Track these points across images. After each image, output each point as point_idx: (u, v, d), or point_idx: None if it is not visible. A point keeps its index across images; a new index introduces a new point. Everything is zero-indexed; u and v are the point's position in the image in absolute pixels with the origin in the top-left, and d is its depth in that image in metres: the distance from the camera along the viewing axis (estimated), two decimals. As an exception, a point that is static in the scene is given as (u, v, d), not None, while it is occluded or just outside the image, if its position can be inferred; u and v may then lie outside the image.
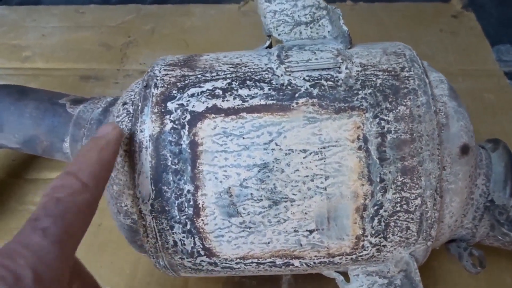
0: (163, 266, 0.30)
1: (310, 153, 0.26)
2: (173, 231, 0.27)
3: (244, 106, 0.27)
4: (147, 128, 0.27)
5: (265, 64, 0.29)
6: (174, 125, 0.27)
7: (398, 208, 0.26)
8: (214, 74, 0.29)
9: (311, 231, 0.27)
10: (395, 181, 0.26)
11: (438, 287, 0.37)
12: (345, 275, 0.31)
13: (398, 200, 0.26)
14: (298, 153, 0.26)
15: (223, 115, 0.27)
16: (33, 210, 0.45)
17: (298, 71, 0.28)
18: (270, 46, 0.32)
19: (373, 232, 0.27)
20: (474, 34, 0.60)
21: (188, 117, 0.27)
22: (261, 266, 0.29)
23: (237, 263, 0.29)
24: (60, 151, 0.35)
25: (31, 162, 0.47)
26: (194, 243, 0.28)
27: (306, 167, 0.26)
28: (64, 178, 0.23)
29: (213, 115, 0.27)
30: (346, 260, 0.29)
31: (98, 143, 0.25)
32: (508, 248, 0.32)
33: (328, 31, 0.31)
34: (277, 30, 0.31)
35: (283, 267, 0.29)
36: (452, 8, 0.65)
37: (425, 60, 0.32)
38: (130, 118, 0.29)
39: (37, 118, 0.36)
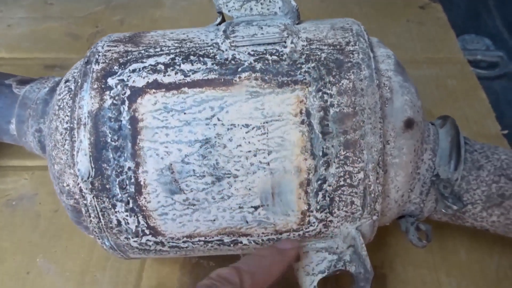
0: (109, 247, 0.29)
1: (253, 128, 0.26)
2: (115, 210, 0.27)
3: (186, 81, 0.27)
4: (86, 104, 0.27)
5: (211, 40, 0.29)
6: (114, 101, 0.27)
7: (342, 183, 0.26)
8: (158, 49, 0.28)
9: (256, 208, 0.27)
10: (338, 155, 0.26)
11: (395, 264, 0.38)
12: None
13: (342, 174, 0.26)
14: (241, 128, 0.26)
15: (164, 90, 0.27)
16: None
17: (244, 45, 0.28)
18: (222, 23, 0.32)
19: (318, 207, 0.27)
20: (440, 24, 0.61)
21: (128, 92, 0.27)
22: (209, 244, 0.29)
23: (184, 242, 0.29)
24: (7, 133, 0.34)
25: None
26: (138, 222, 0.27)
27: (249, 142, 0.26)
28: (231, 273, 0.25)
29: (153, 90, 0.27)
30: (294, 237, 0.29)
31: (274, 254, 0.27)
32: (455, 223, 0.32)
33: (279, 8, 0.31)
34: (227, 6, 0.31)
35: (232, 245, 0.29)
36: (420, 0, 0.66)
37: (392, 49, 0.33)
38: (71, 96, 0.28)
39: (-19, 99, 0.35)
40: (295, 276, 0.30)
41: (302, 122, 0.26)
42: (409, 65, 0.53)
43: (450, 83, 0.53)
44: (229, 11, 0.32)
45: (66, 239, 0.40)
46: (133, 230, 0.28)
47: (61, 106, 0.29)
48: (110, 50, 0.29)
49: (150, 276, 0.37)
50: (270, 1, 0.31)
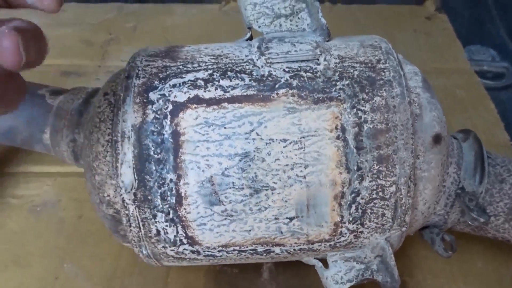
0: (146, 255, 0.30)
1: (290, 143, 0.27)
2: (156, 220, 0.28)
3: (226, 96, 0.28)
4: (129, 118, 0.28)
5: (246, 56, 0.30)
6: (156, 115, 0.27)
7: (374, 196, 0.28)
8: (196, 65, 0.29)
9: (291, 219, 0.28)
10: (372, 169, 0.27)
11: (414, 273, 0.39)
12: (324, 261, 0.32)
13: (374, 188, 0.27)
14: (279, 143, 0.27)
15: (205, 105, 0.28)
16: (14, 203, 0.44)
17: (278, 62, 0.29)
18: (250, 39, 0.33)
19: (351, 218, 0.28)
20: (447, 34, 0.63)
21: (170, 107, 0.28)
22: (243, 253, 0.30)
23: (219, 251, 0.30)
24: (40, 142, 0.35)
25: (10, 156, 0.47)
26: (177, 232, 0.28)
27: (286, 156, 0.27)
28: None
29: (195, 105, 0.28)
30: (325, 247, 0.30)
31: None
32: (477, 234, 0.33)
33: (307, 24, 0.32)
34: (257, 22, 0.32)
35: (264, 254, 0.30)
36: (426, 10, 0.68)
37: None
38: (111, 108, 0.29)
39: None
40: (323, 284, 0.31)
41: (338, 138, 0.27)
42: (417, 76, 0.55)
43: (458, 93, 0.54)
44: (259, 27, 0.33)
45: (92, 245, 0.40)
46: (172, 240, 0.29)
47: (102, 119, 0.29)
48: (149, 65, 0.30)
49: (176, 282, 0.38)
50: (299, 18, 0.32)
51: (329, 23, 0.32)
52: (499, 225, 0.31)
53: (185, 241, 0.29)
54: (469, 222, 0.29)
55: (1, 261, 0.39)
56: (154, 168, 0.27)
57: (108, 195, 0.29)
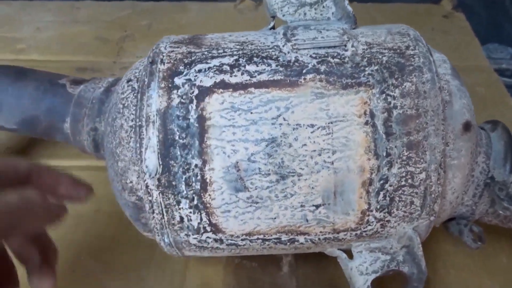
0: (167, 244, 0.30)
1: (318, 128, 0.27)
2: (179, 207, 0.27)
3: (252, 81, 0.27)
4: (154, 102, 0.27)
5: (271, 42, 0.30)
6: (182, 100, 0.27)
7: (403, 183, 0.27)
8: (221, 51, 0.29)
9: (317, 206, 0.27)
10: (401, 155, 0.27)
11: (436, 268, 0.38)
12: (348, 253, 0.31)
13: (403, 175, 0.27)
14: (306, 128, 0.27)
15: (231, 90, 0.27)
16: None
17: (305, 48, 0.29)
18: (273, 28, 0.33)
19: (378, 206, 0.27)
20: (465, 33, 0.62)
21: (196, 91, 0.27)
22: (266, 242, 0.29)
23: (242, 240, 0.29)
24: (60, 131, 0.35)
25: (27, 151, 0.47)
26: (201, 219, 0.28)
27: (314, 142, 0.27)
28: None
29: (221, 90, 0.27)
30: (350, 236, 0.29)
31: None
32: (505, 226, 0.32)
33: (332, 13, 0.32)
34: (281, 11, 0.32)
35: (288, 243, 0.30)
36: (443, 9, 0.67)
37: None
38: (135, 94, 0.29)
39: (36, 98, 0.35)
40: (347, 276, 0.31)
41: (366, 123, 0.27)
42: (438, 73, 0.55)
43: (479, 90, 0.54)
44: (283, 15, 0.32)
45: (108, 238, 0.40)
46: (195, 227, 0.28)
47: (126, 105, 0.29)
48: (173, 51, 0.29)
49: (194, 275, 0.37)
50: (324, 7, 0.32)
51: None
52: (529, 216, 0.30)
53: (208, 228, 0.28)
54: (500, 212, 0.29)
55: (19, 254, 0.39)
56: (179, 153, 0.27)
57: (131, 182, 0.29)
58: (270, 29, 0.33)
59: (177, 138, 0.27)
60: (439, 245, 0.39)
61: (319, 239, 0.29)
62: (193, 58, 0.29)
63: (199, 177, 0.27)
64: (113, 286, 0.37)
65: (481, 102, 0.52)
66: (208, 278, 0.37)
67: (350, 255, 0.31)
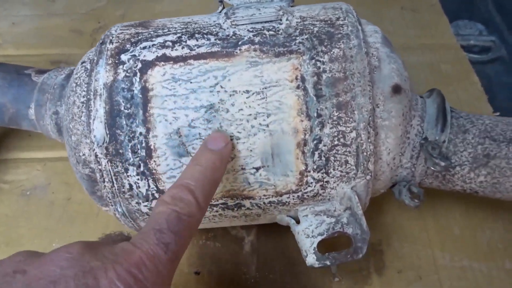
0: (121, 214, 0.31)
1: (253, 93, 0.28)
2: (127, 174, 0.29)
3: (192, 54, 0.29)
4: (102, 77, 0.29)
5: (214, 21, 0.32)
6: (127, 74, 0.29)
7: (336, 142, 0.29)
8: (166, 30, 0.31)
9: (257, 168, 0.29)
10: (332, 116, 0.28)
11: (391, 241, 0.39)
12: (296, 219, 0.33)
13: (335, 134, 0.28)
14: (242, 94, 0.28)
15: (171, 62, 0.29)
16: (5, 188, 0.45)
17: (243, 24, 0.31)
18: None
19: (315, 167, 0.29)
20: (434, 10, 0.63)
21: (139, 65, 0.29)
22: (215, 208, 0.31)
23: None
24: (26, 118, 0.36)
25: (1, 143, 0.48)
26: (148, 185, 0.29)
27: (249, 106, 0.28)
28: (183, 192, 0.25)
29: (162, 63, 0.29)
30: (293, 199, 0.31)
31: (214, 160, 0.27)
32: (446, 188, 0.34)
33: None
34: None
35: (236, 209, 0.31)
36: (414, -13, 0.68)
37: (387, 35, 0.35)
38: (87, 73, 0.31)
39: (3, 87, 0.37)
40: (296, 240, 0.32)
41: (298, 87, 0.28)
42: (403, 51, 0.56)
43: (444, 67, 0.55)
44: None
45: (80, 224, 0.42)
46: (144, 194, 0.30)
47: (78, 83, 0.31)
48: (122, 32, 0.31)
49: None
50: None
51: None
52: (465, 175, 0.32)
53: (156, 195, 0.30)
54: (432, 168, 0.30)
55: (-6, 244, 0.40)
56: (124, 122, 0.28)
57: (84, 154, 0.30)
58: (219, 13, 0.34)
59: (122, 108, 0.28)
60: (394, 220, 0.41)
61: (264, 203, 0.31)
62: (139, 38, 0.31)
63: (143, 144, 0.29)
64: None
65: (446, 79, 0.54)
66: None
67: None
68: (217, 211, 0.31)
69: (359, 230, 0.31)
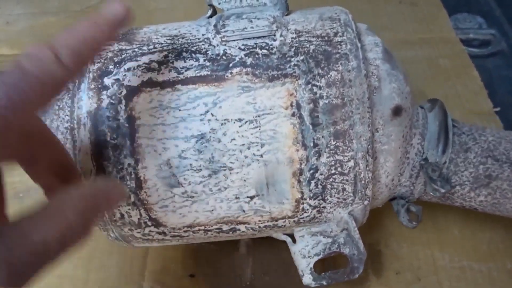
0: (114, 238, 0.31)
1: (246, 122, 0.27)
2: (118, 205, 0.28)
3: (179, 78, 0.27)
4: (85, 104, 0.28)
5: (203, 35, 0.29)
6: (111, 101, 0.27)
7: (333, 171, 0.27)
8: (151, 47, 0.29)
9: (252, 197, 0.28)
10: (329, 145, 0.27)
11: (390, 242, 0.39)
12: (293, 237, 0.32)
13: (333, 163, 0.27)
14: (234, 123, 0.27)
15: (158, 88, 0.27)
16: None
17: (234, 40, 0.29)
18: (212, 15, 0.32)
19: (311, 195, 0.28)
20: (432, 4, 0.61)
21: (124, 91, 0.27)
22: (209, 232, 0.30)
23: (185, 231, 0.30)
24: None
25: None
26: (140, 215, 0.29)
27: (242, 136, 0.27)
28: (39, 48, 0.20)
29: (148, 89, 0.27)
30: (289, 223, 0.30)
31: (95, 18, 0.22)
32: (445, 203, 0.33)
33: None
34: None
35: (231, 232, 0.30)
36: (412, -19, 0.65)
37: (385, 30, 0.33)
38: (69, 95, 0.29)
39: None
40: (293, 259, 0.32)
41: (293, 115, 0.27)
42: (401, 46, 0.54)
43: (442, 62, 0.53)
44: (219, 3, 0.32)
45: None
46: (136, 223, 0.29)
47: (61, 106, 0.29)
48: (105, 49, 0.29)
49: (154, 260, 0.39)
50: None
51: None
52: (465, 194, 0.31)
53: (149, 223, 0.29)
54: (431, 193, 0.29)
55: (-15, 247, 0.40)
56: (111, 153, 0.27)
57: (72, 182, 0.29)
58: (208, 17, 0.32)
59: (108, 139, 0.27)
60: (392, 221, 0.40)
61: (259, 227, 0.30)
62: (123, 56, 0.29)
63: (133, 176, 0.27)
64: (76, 273, 0.38)
65: (444, 74, 0.53)
66: (168, 262, 0.39)
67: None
68: (212, 234, 0.31)
69: (356, 251, 0.30)
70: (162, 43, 0.29)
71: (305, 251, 0.31)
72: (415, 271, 0.37)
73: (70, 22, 0.60)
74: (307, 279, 0.31)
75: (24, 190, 0.44)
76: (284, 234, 0.32)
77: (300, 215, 0.29)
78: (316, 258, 0.31)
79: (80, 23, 0.22)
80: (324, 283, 0.30)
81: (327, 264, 0.35)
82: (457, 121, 0.32)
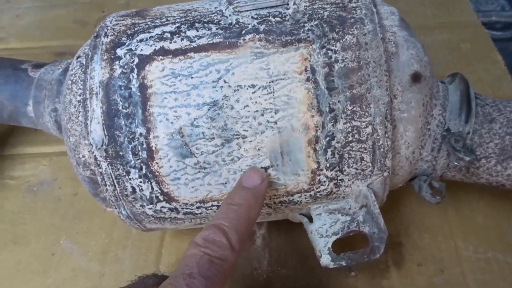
0: (126, 216, 0.30)
1: (259, 88, 0.26)
2: (129, 177, 0.28)
3: (192, 46, 0.27)
4: (97, 74, 0.27)
5: (215, 8, 0.29)
6: (123, 70, 0.27)
7: (350, 138, 0.26)
8: (164, 19, 0.29)
9: (266, 168, 0.27)
10: (345, 110, 0.26)
11: (411, 232, 0.38)
12: (309, 217, 0.31)
13: (350, 130, 0.26)
14: (247, 89, 0.26)
15: (170, 56, 0.27)
16: (11, 184, 0.45)
17: (247, 10, 0.28)
18: None
19: (328, 165, 0.27)
20: (452, -15, 0.60)
21: (136, 60, 0.27)
22: None
23: (197, 207, 0.29)
24: (25, 115, 0.35)
25: (7, 139, 0.48)
26: (152, 188, 0.28)
27: (256, 102, 0.26)
28: (216, 234, 0.24)
29: (160, 57, 0.27)
30: (305, 198, 0.29)
31: (247, 197, 0.26)
32: (469, 180, 0.32)
33: None
34: None
35: None
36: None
37: (403, 15, 0.32)
38: (82, 70, 0.29)
39: (-1, 84, 0.36)
40: (310, 240, 0.30)
41: (308, 80, 0.26)
42: (420, 31, 0.53)
43: (464, 46, 0.52)
44: None
45: (86, 220, 0.41)
46: (148, 197, 0.28)
47: (74, 80, 0.29)
48: (118, 23, 0.29)
49: (169, 252, 0.38)
50: None
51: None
52: (491, 167, 0.29)
53: (161, 197, 0.28)
54: (455, 163, 0.28)
55: (0, 240, 0.40)
56: (123, 122, 0.27)
57: (83, 156, 0.29)
58: None
59: (120, 108, 0.27)
60: (413, 210, 0.39)
61: (274, 202, 0.29)
62: (136, 29, 0.29)
63: (144, 146, 0.27)
64: (91, 266, 0.38)
65: (466, 59, 0.51)
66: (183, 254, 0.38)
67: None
68: None
69: (376, 229, 0.29)
70: (174, 16, 0.29)
71: (322, 230, 0.30)
72: (438, 263, 0.36)
73: (79, 15, 0.61)
74: (325, 259, 0.29)
75: (37, 184, 0.44)
76: (300, 214, 0.31)
77: (317, 188, 0.28)
78: (334, 238, 0.29)
79: (236, 198, 0.26)
80: (343, 263, 0.29)
81: (344, 244, 0.34)
82: (479, 94, 0.31)
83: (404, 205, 0.39)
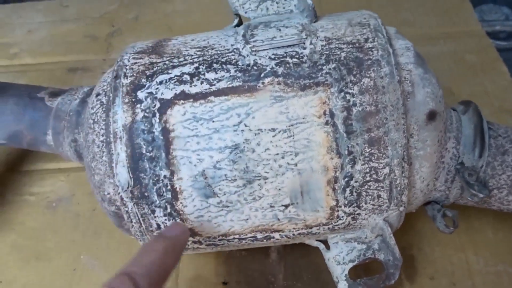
0: None
1: (279, 132, 0.27)
2: (155, 215, 0.29)
3: (212, 89, 0.28)
4: (120, 118, 0.28)
5: (232, 45, 0.30)
6: (145, 114, 0.28)
7: (368, 178, 0.27)
8: (182, 59, 0.29)
9: (286, 206, 0.28)
10: (363, 152, 0.27)
11: (422, 245, 0.38)
12: (326, 243, 0.32)
13: (367, 171, 0.27)
14: (267, 132, 0.27)
15: (191, 100, 0.28)
16: (31, 200, 0.46)
17: (264, 49, 0.29)
18: (239, 25, 0.32)
19: (346, 202, 0.28)
20: (456, -5, 0.59)
21: (158, 105, 0.28)
22: (243, 241, 0.30)
23: (220, 240, 0.30)
24: (44, 144, 0.36)
25: (26, 155, 0.49)
26: None
27: (276, 145, 0.27)
28: (120, 279, 0.23)
29: (182, 101, 0.28)
30: (323, 230, 0.30)
31: (164, 245, 0.25)
32: (481, 206, 0.32)
33: (295, 5, 0.31)
34: (243, 8, 0.32)
35: (265, 240, 0.31)
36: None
37: (406, 25, 0.32)
38: (103, 109, 0.30)
39: (18, 113, 0.37)
40: (327, 266, 0.32)
41: (327, 123, 0.27)
42: (424, 42, 0.53)
43: (469, 57, 0.52)
44: (245, 12, 0.32)
45: (106, 236, 0.42)
46: None
47: (96, 120, 0.30)
48: (136, 62, 0.30)
49: (187, 267, 0.39)
50: (285, 0, 0.32)
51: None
52: (502, 197, 0.30)
53: None
54: (469, 198, 0.29)
55: (23, 257, 0.41)
56: (147, 166, 0.28)
57: (109, 193, 0.30)
58: (235, 26, 0.33)
59: (144, 151, 0.28)
60: (424, 224, 0.39)
61: (293, 234, 0.30)
62: (154, 69, 0.29)
63: (169, 187, 0.28)
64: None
65: (471, 70, 0.51)
66: (201, 269, 0.39)
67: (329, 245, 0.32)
68: (246, 242, 0.31)
69: (391, 257, 0.30)
70: (192, 55, 0.30)
71: (339, 258, 0.31)
72: (450, 276, 0.37)
73: (89, 29, 0.62)
74: (343, 285, 0.31)
75: (56, 200, 0.45)
76: (317, 240, 0.32)
77: (335, 222, 0.29)
78: (351, 265, 0.31)
79: (149, 246, 0.25)
80: None
81: (360, 270, 0.35)
82: (492, 123, 0.32)
83: (415, 218, 0.40)
